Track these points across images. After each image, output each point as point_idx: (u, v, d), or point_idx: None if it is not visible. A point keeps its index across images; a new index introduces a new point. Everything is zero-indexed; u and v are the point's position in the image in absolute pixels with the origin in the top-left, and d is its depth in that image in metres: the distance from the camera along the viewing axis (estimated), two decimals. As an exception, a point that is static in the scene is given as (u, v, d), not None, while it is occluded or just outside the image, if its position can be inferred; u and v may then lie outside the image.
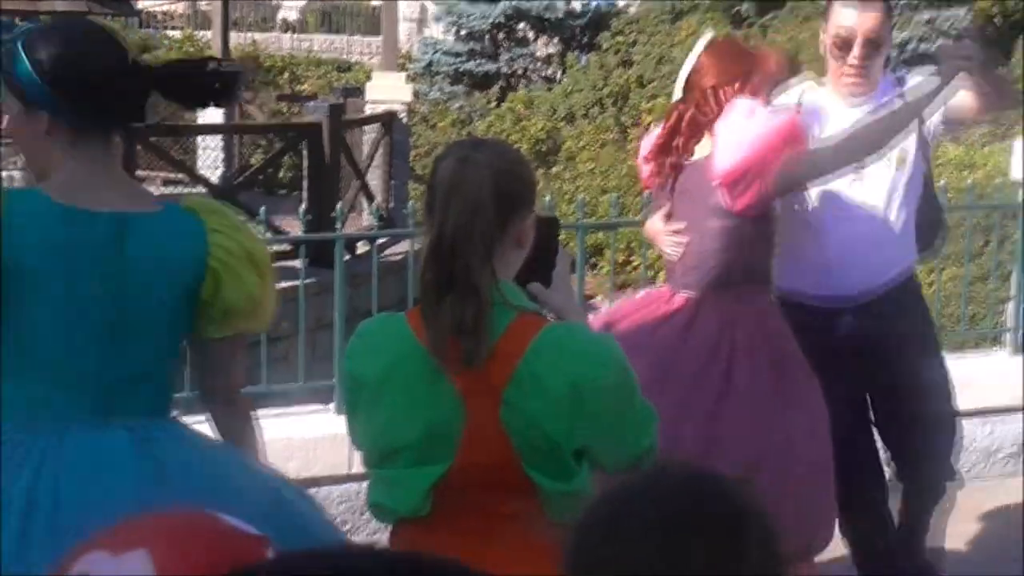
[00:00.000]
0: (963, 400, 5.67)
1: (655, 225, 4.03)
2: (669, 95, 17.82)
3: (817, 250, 4.04)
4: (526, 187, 2.38)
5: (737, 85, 3.83)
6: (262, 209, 6.24)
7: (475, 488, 2.29)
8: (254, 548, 1.18)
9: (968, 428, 5.77)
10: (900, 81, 4.11)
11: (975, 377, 5.76)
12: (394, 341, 2.36)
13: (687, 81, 3.92)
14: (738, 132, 3.73)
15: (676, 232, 3.92)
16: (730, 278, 3.83)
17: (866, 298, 4.06)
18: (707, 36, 4.02)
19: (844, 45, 3.96)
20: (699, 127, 3.86)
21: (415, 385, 2.31)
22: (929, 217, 4.25)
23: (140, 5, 31.50)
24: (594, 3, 25.98)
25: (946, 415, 4.22)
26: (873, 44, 3.95)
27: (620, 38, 21.77)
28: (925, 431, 4.15)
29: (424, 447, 2.31)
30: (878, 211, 4.04)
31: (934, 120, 4.05)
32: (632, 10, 23.99)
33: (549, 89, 21.60)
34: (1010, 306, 6.26)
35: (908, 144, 4.01)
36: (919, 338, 4.22)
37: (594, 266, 13.09)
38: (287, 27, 30.92)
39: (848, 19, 3.94)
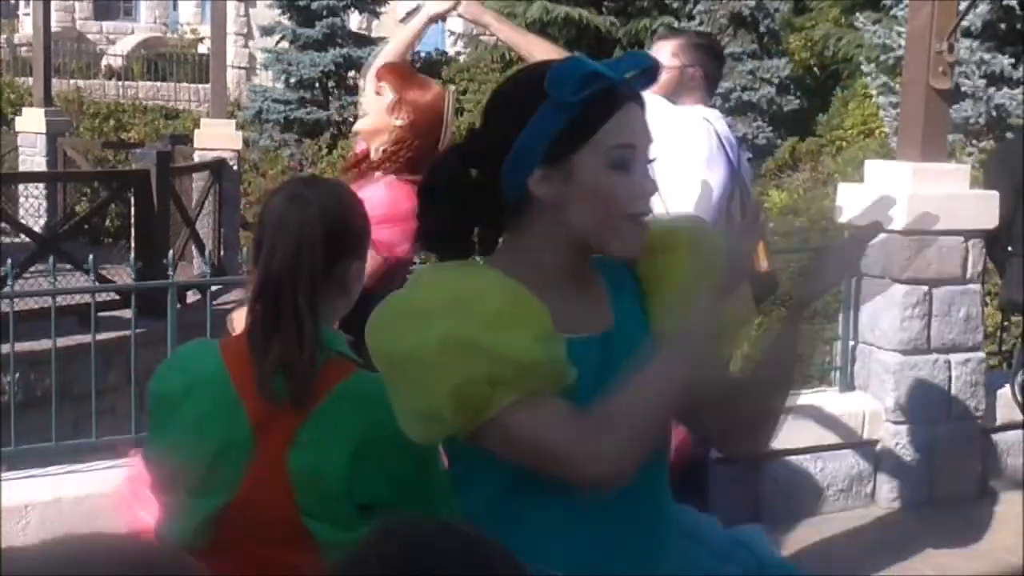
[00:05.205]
0: (795, 438, 5.80)
1: None
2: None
3: None
4: (355, 234, 2.33)
5: None
6: (90, 258, 6.09)
7: (252, 540, 2.21)
8: None
9: (799, 465, 5.90)
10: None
11: (806, 415, 5.89)
12: (200, 363, 2.31)
13: None
14: None
15: None
16: None
17: None
18: None
19: None
20: None
21: (211, 410, 2.24)
22: None
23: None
24: (424, 52, 26.08)
25: None
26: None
27: (451, 86, 21.85)
28: None
29: (207, 473, 2.23)
30: None
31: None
32: (463, 59, 24.13)
33: (380, 136, 21.55)
34: (837, 345, 6.41)
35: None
36: None
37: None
38: (112, 74, 30.36)
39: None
